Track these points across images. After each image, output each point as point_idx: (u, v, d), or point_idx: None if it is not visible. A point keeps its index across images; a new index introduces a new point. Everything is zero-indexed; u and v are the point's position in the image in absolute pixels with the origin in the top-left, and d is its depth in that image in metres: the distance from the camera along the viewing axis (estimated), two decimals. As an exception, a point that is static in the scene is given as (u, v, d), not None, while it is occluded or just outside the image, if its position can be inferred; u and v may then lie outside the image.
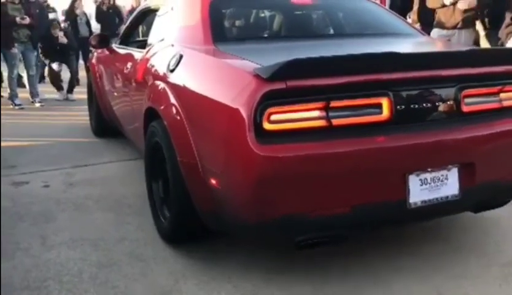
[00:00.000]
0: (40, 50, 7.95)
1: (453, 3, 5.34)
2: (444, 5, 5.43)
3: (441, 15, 5.52)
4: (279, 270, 2.48)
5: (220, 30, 2.90)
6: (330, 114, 2.01)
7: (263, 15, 3.53)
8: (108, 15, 10.21)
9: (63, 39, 8.00)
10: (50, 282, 2.41)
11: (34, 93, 7.70)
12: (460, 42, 5.25)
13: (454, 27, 5.41)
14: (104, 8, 10.25)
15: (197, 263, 2.58)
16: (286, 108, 1.97)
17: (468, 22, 5.40)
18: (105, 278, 2.44)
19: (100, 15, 10.31)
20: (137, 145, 3.77)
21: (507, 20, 4.92)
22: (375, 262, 2.54)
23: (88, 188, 3.73)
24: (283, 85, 1.92)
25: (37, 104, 7.57)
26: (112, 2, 10.42)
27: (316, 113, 2.00)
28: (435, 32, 5.49)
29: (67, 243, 2.81)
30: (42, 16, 8.35)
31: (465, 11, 5.34)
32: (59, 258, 2.65)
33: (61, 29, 8.19)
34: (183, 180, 2.44)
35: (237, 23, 3.42)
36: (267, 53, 2.56)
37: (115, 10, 10.45)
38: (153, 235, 2.85)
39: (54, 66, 8.06)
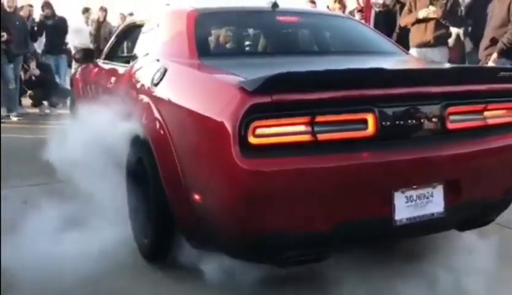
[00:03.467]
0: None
1: (427, 19, 5.45)
2: (416, 21, 5.53)
3: (414, 33, 5.63)
4: (267, 285, 2.43)
5: (205, 45, 2.90)
6: (315, 128, 1.99)
7: (248, 31, 3.53)
8: (50, 29, 8.57)
9: (35, 71, 7.85)
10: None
11: (11, 107, 7.54)
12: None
13: (426, 45, 5.50)
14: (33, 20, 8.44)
15: (180, 281, 2.52)
16: (271, 122, 1.95)
17: (439, 40, 5.52)
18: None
19: (40, 29, 8.69)
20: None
21: (486, 42, 5.01)
22: (370, 275, 2.49)
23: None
24: (269, 98, 1.90)
25: (14, 118, 7.40)
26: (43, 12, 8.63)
27: (301, 127, 1.98)
28: (411, 51, 5.58)
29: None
30: (24, 28, 8.15)
31: (436, 29, 5.45)
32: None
33: (37, 61, 8.04)
34: (166, 196, 2.39)
35: (222, 38, 3.42)
36: (252, 68, 2.54)
37: (60, 22, 8.76)
38: (135, 252, 2.78)
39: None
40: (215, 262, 2.51)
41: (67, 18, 9.21)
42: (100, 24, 10.10)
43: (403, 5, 6.13)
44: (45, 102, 8.21)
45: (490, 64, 4.85)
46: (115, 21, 10.99)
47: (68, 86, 6.93)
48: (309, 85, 1.99)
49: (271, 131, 1.95)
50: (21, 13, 8.49)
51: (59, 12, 9.02)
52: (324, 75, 2.06)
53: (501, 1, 4.90)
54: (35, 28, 8.62)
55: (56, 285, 2.41)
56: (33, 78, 7.85)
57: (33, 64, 7.86)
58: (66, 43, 9.71)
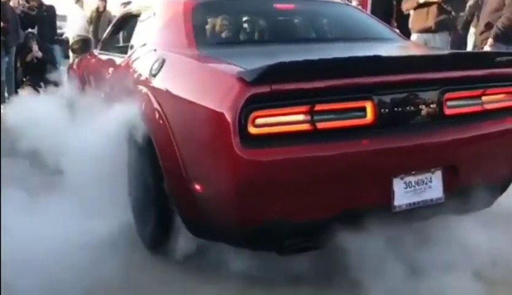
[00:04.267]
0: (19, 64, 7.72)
1: (428, 4, 5.42)
2: (418, 6, 5.49)
3: (415, 19, 5.59)
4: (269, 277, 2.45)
5: (203, 34, 2.90)
6: (315, 117, 2.01)
7: (246, 19, 3.52)
8: (38, 20, 8.19)
9: (38, 53, 7.70)
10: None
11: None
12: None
13: (428, 31, 5.48)
14: (19, 9, 7.91)
15: (182, 271, 2.52)
16: (271, 112, 1.97)
17: (441, 26, 5.48)
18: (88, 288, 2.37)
19: (28, 20, 8.13)
20: None
21: (481, 26, 5.00)
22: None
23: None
24: (268, 88, 1.92)
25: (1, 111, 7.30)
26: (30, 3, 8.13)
27: (301, 117, 2.00)
28: (412, 36, 5.56)
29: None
30: (14, 19, 8.01)
31: (438, 14, 5.42)
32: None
33: (38, 43, 7.90)
34: (167, 186, 2.41)
35: (220, 27, 3.40)
36: (251, 57, 2.54)
37: (48, 11, 8.32)
38: (139, 244, 2.79)
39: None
40: (217, 252, 2.54)
41: (59, 12, 9.08)
42: (100, 14, 9.96)
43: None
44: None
45: (486, 48, 4.86)
46: (114, 11, 10.81)
47: (64, 77, 6.87)
48: (308, 74, 2.00)
49: (270, 121, 1.97)
50: (11, 3, 8.37)
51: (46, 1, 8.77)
52: (323, 64, 2.07)
53: (496, -15, 4.88)
54: (23, 15, 8.43)
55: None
56: (35, 61, 7.71)
57: (35, 46, 7.71)
58: (61, 34, 9.57)
